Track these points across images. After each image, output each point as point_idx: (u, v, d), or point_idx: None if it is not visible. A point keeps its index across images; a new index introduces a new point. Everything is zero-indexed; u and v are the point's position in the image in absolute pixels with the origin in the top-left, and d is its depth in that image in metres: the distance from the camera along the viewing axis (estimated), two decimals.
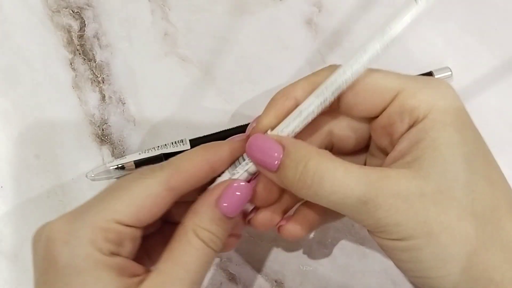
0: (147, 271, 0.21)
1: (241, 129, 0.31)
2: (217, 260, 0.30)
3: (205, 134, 0.31)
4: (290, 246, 0.31)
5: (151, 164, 0.30)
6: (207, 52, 0.34)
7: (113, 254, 0.20)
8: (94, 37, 0.34)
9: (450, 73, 0.33)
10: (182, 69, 0.34)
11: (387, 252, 0.21)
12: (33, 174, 0.32)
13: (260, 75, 0.34)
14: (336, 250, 0.31)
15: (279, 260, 0.31)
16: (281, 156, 0.21)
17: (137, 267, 0.21)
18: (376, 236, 0.21)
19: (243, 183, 0.22)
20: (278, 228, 0.25)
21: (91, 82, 0.33)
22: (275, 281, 0.30)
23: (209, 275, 0.30)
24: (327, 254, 0.31)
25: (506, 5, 0.35)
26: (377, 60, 0.34)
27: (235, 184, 0.22)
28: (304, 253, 0.31)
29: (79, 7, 0.35)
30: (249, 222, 0.25)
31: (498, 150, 0.32)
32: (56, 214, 0.30)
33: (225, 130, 0.31)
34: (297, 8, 0.35)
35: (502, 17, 0.35)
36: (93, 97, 0.33)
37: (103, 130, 0.33)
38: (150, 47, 0.34)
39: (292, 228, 0.25)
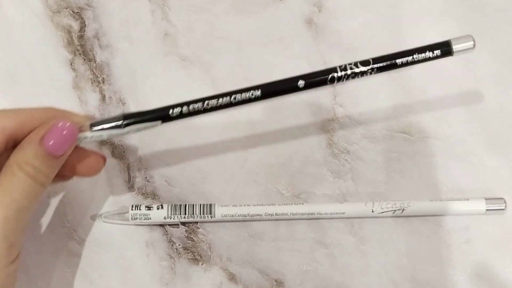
0: None
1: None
2: (217, 259, 0.31)
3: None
4: (291, 245, 0.31)
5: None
6: (207, 52, 0.34)
7: None
8: (94, 37, 0.34)
9: (472, 42, 0.26)
10: (182, 69, 0.34)
11: None
12: None
13: (260, 75, 0.34)
14: (336, 250, 0.31)
15: (279, 259, 0.31)
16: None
17: None
18: None
19: (68, 124, 0.24)
20: None
21: (91, 82, 0.34)
22: (275, 281, 0.30)
23: (209, 274, 0.30)
24: (327, 254, 0.31)
25: (506, 5, 0.35)
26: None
27: (60, 124, 0.24)
28: (304, 252, 0.31)
29: (79, 7, 0.35)
30: None
31: (498, 150, 0.33)
32: (57, 213, 0.31)
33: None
34: (297, 8, 0.35)
35: (502, 17, 0.35)
36: (93, 97, 0.33)
37: None
38: (150, 47, 0.34)
39: None
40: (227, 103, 0.26)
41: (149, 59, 0.34)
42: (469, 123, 0.33)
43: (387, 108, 0.33)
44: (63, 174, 0.26)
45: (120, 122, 0.25)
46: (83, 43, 0.34)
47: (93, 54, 0.34)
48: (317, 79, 0.26)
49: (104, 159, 0.28)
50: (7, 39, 0.34)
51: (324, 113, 0.33)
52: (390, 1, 0.35)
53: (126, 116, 0.26)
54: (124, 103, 0.33)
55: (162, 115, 0.26)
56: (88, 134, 0.25)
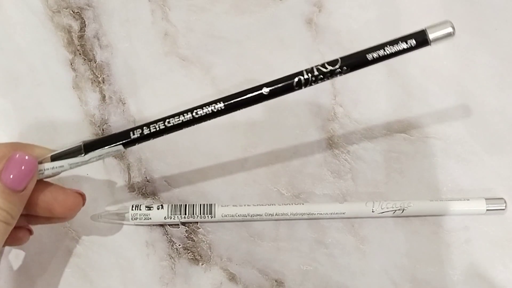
0: None
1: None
2: (217, 259, 0.31)
3: None
4: (291, 245, 0.31)
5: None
6: (207, 52, 0.34)
7: None
8: (94, 37, 0.34)
9: (450, 28, 0.24)
10: (182, 69, 0.34)
11: None
12: None
13: (260, 75, 0.34)
14: (336, 250, 0.31)
15: (279, 259, 0.31)
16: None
17: None
18: None
19: (26, 156, 0.23)
20: None
21: (92, 82, 0.34)
22: (275, 281, 0.30)
23: (209, 274, 0.30)
24: (327, 254, 0.31)
25: (506, 5, 0.35)
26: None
27: (16, 156, 0.23)
28: (304, 252, 0.31)
29: (79, 7, 0.35)
30: None
31: (498, 150, 0.33)
32: None
33: None
34: (297, 8, 0.35)
35: (502, 17, 0.35)
36: (93, 97, 0.33)
37: (103, 130, 0.33)
38: (150, 47, 0.34)
39: None
40: (190, 120, 0.25)
41: (149, 59, 0.34)
42: (469, 123, 0.33)
43: (387, 108, 0.33)
44: (39, 214, 0.25)
45: (80, 151, 0.25)
46: (83, 43, 0.34)
47: (93, 54, 0.34)
48: (283, 85, 0.25)
49: (83, 197, 0.27)
50: (7, 39, 0.34)
51: (324, 113, 0.33)
52: (390, 1, 0.35)
53: (86, 145, 0.25)
54: (124, 103, 0.33)
55: (122, 139, 0.25)
56: (49, 165, 0.25)
